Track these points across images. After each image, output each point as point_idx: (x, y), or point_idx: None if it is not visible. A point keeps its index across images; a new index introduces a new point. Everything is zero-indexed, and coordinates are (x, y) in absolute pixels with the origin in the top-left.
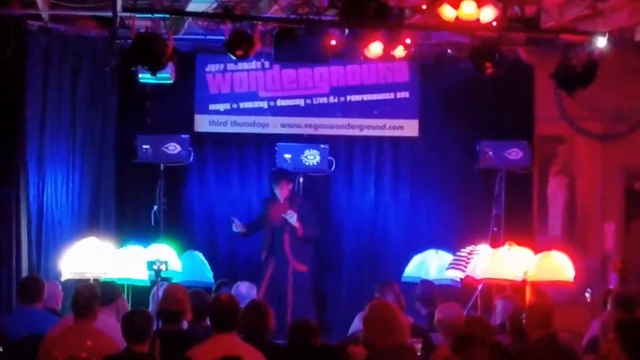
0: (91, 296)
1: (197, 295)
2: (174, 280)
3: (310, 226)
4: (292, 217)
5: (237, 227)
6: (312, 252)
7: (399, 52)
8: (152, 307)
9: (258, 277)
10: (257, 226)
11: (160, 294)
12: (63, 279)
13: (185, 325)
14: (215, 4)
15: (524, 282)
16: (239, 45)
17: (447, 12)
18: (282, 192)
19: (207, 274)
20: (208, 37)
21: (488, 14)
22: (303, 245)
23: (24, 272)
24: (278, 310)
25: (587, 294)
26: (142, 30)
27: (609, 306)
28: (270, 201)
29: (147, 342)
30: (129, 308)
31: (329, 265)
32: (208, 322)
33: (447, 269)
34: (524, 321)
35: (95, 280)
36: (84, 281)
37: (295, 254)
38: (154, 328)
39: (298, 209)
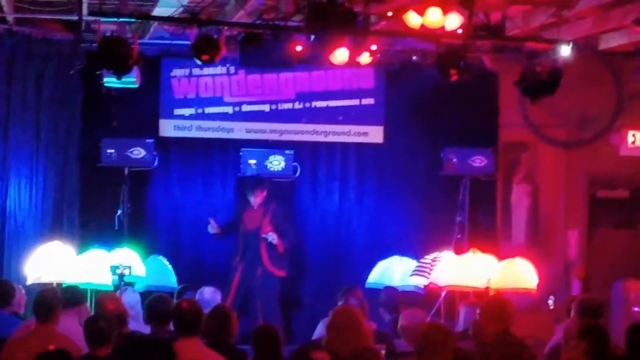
0: (53, 300)
1: (160, 300)
2: (137, 285)
3: (286, 235)
4: (273, 239)
5: (212, 227)
6: (289, 257)
7: (365, 58)
8: None
9: (225, 281)
10: (230, 229)
11: (124, 298)
12: (28, 283)
13: (148, 329)
14: (181, 9)
15: (488, 289)
16: (204, 49)
17: (413, 19)
18: (256, 199)
19: (171, 279)
20: (174, 41)
21: (453, 21)
22: (277, 251)
23: None
24: (247, 315)
25: (550, 301)
26: (108, 33)
27: (572, 313)
28: (245, 206)
29: (109, 345)
30: (92, 312)
31: (292, 271)
32: (171, 326)
33: (411, 275)
34: (478, 317)
35: (58, 284)
36: (47, 285)
37: (272, 260)
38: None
39: (272, 215)
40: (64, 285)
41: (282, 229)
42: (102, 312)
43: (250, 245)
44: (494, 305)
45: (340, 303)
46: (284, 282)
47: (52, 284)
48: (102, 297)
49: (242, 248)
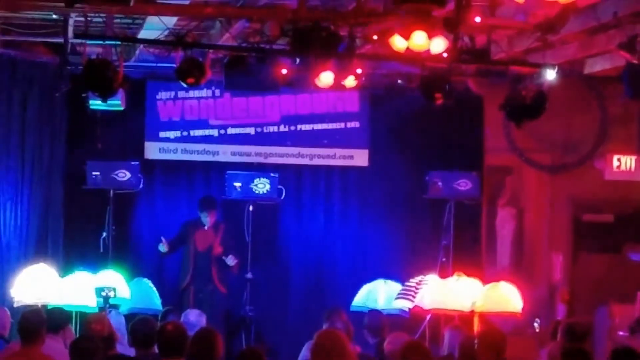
0: (38, 322)
1: (145, 322)
2: (122, 307)
3: (234, 252)
4: (231, 262)
5: (163, 245)
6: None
7: (350, 81)
8: None
9: (181, 304)
10: (175, 247)
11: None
12: (16, 305)
13: (132, 352)
14: (166, 32)
15: (472, 312)
16: (190, 72)
17: (398, 43)
18: (210, 219)
19: (155, 301)
20: (159, 64)
21: (438, 45)
22: (224, 271)
23: None
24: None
25: (535, 324)
26: (93, 56)
27: (558, 336)
28: (194, 226)
29: None
30: (76, 335)
31: (276, 294)
32: (156, 349)
33: (396, 298)
34: (476, 347)
35: (43, 306)
36: (34, 307)
37: (219, 278)
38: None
39: (222, 236)
40: (48, 307)
41: (232, 249)
42: (88, 334)
43: (200, 264)
44: (491, 336)
45: (325, 325)
46: (268, 304)
47: (37, 305)
48: (89, 319)
49: (192, 268)
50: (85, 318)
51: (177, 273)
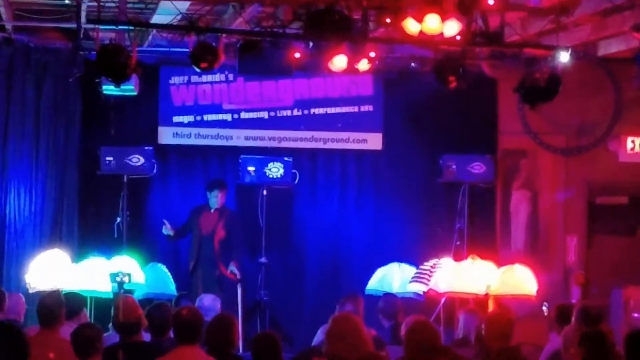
0: (57, 305)
1: (160, 308)
2: (137, 293)
3: (235, 242)
4: (235, 272)
5: (167, 229)
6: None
7: (363, 65)
8: None
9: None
10: (183, 232)
11: None
12: (31, 291)
13: (148, 337)
14: (179, 17)
15: (487, 295)
16: (203, 57)
17: (411, 26)
18: (218, 200)
19: (170, 286)
20: (172, 49)
21: (452, 28)
22: (228, 255)
23: None
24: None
25: (544, 307)
26: (106, 42)
27: (572, 320)
28: (200, 211)
29: (98, 355)
30: (91, 320)
31: (292, 278)
32: (171, 334)
33: (410, 282)
34: (483, 332)
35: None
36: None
37: (223, 261)
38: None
39: (226, 220)
40: (63, 293)
41: (233, 233)
42: (115, 317)
43: (204, 248)
44: (499, 321)
45: (337, 309)
46: (283, 289)
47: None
48: (117, 302)
49: (197, 252)
50: (115, 300)
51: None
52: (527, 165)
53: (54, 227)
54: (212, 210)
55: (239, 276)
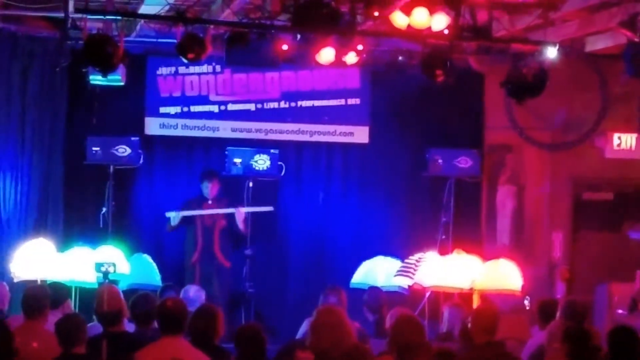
0: (42, 297)
1: (144, 298)
2: (121, 283)
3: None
4: (241, 215)
5: (177, 217)
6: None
7: (351, 58)
8: None
9: (184, 280)
10: (183, 223)
11: None
12: (16, 280)
13: (132, 327)
14: (167, 7)
15: (472, 290)
16: (190, 48)
17: (399, 20)
18: (212, 191)
19: (154, 277)
20: (160, 39)
21: (440, 22)
22: (228, 243)
23: None
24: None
25: (526, 302)
26: (94, 31)
27: (557, 315)
28: (198, 202)
29: (82, 345)
30: (75, 310)
31: (276, 271)
32: (155, 324)
33: (395, 276)
34: (469, 325)
35: (42, 281)
36: (33, 282)
37: (223, 251)
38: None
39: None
40: (48, 283)
41: (233, 222)
42: (97, 307)
43: (205, 239)
44: (485, 315)
45: (321, 302)
46: (230, 276)
47: (36, 281)
48: (99, 291)
49: (201, 244)
50: (98, 290)
51: (178, 249)
52: (512, 160)
53: (39, 216)
54: (209, 201)
55: (242, 216)
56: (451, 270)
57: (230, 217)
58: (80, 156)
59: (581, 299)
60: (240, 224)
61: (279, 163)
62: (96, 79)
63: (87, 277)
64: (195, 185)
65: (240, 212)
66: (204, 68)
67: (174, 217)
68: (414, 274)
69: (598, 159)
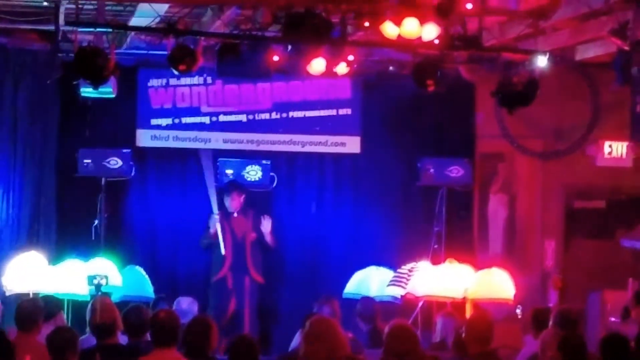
0: (36, 310)
1: (137, 310)
2: (114, 295)
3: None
4: (268, 225)
5: (214, 225)
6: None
7: (342, 68)
8: None
9: (200, 291)
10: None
11: None
12: (8, 293)
13: (125, 339)
14: (158, 19)
15: (465, 299)
16: (181, 60)
17: (390, 30)
18: (233, 203)
19: (147, 289)
20: (150, 51)
21: (430, 32)
22: (259, 257)
23: None
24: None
25: (518, 310)
26: (85, 44)
27: (550, 324)
28: (224, 215)
29: (74, 357)
30: (67, 322)
31: (269, 282)
32: (148, 336)
33: (388, 285)
34: (463, 335)
35: (35, 294)
36: (25, 295)
37: (254, 265)
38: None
39: (254, 222)
40: (40, 295)
41: (262, 235)
42: (91, 319)
43: (237, 254)
44: (479, 325)
45: (315, 312)
46: (261, 291)
47: (28, 294)
48: (94, 304)
49: (231, 258)
50: (92, 302)
51: (170, 261)
52: (504, 169)
53: (31, 229)
54: (235, 215)
55: (269, 227)
56: (444, 280)
57: (258, 229)
58: (72, 169)
59: (573, 307)
60: (268, 237)
61: (271, 174)
62: (87, 91)
63: (80, 289)
64: (187, 198)
65: (266, 223)
66: (195, 79)
67: (212, 221)
68: (406, 284)
69: (589, 168)
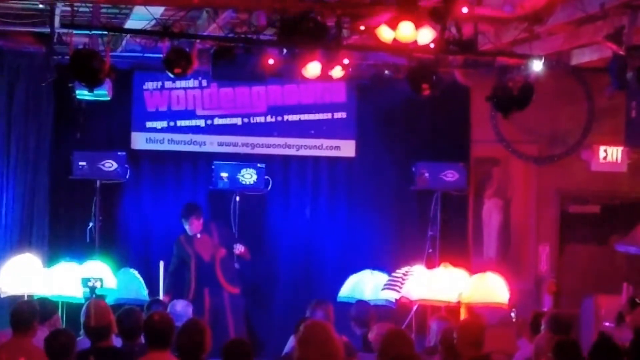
0: (31, 312)
1: (131, 313)
2: (108, 298)
3: (234, 242)
4: (239, 250)
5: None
6: (239, 273)
7: (337, 72)
8: None
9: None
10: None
11: None
12: (2, 295)
13: (119, 342)
14: (153, 22)
15: (459, 303)
16: (177, 63)
17: (385, 34)
18: (192, 227)
19: (142, 292)
20: (146, 54)
21: (426, 36)
22: (232, 270)
23: None
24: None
25: (512, 314)
26: (80, 46)
27: (542, 328)
28: (186, 241)
29: (71, 359)
30: (63, 325)
31: (263, 285)
32: (142, 339)
33: (383, 289)
34: (455, 341)
35: (29, 297)
36: (20, 298)
37: (228, 280)
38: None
39: (219, 237)
40: (35, 298)
41: (231, 240)
42: (85, 321)
43: (206, 273)
44: (471, 329)
45: (308, 316)
46: (253, 296)
47: (23, 296)
48: (89, 306)
49: (198, 279)
50: (86, 304)
51: (164, 263)
52: (499, 174)
53: (24, 231)
54: (199, 236)
55: (240, 250)
56: (438, 284)
57: (224, 240)
58: (67, 171)
59: (565, 311)
60: (247, 256)
61: (266, 177)
62: (82, 94)
63: (74, 292)
64: (182, 201)
65: (238, 248)
66: (191, 82)
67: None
68: (401, 288)
69: (584, 172)
